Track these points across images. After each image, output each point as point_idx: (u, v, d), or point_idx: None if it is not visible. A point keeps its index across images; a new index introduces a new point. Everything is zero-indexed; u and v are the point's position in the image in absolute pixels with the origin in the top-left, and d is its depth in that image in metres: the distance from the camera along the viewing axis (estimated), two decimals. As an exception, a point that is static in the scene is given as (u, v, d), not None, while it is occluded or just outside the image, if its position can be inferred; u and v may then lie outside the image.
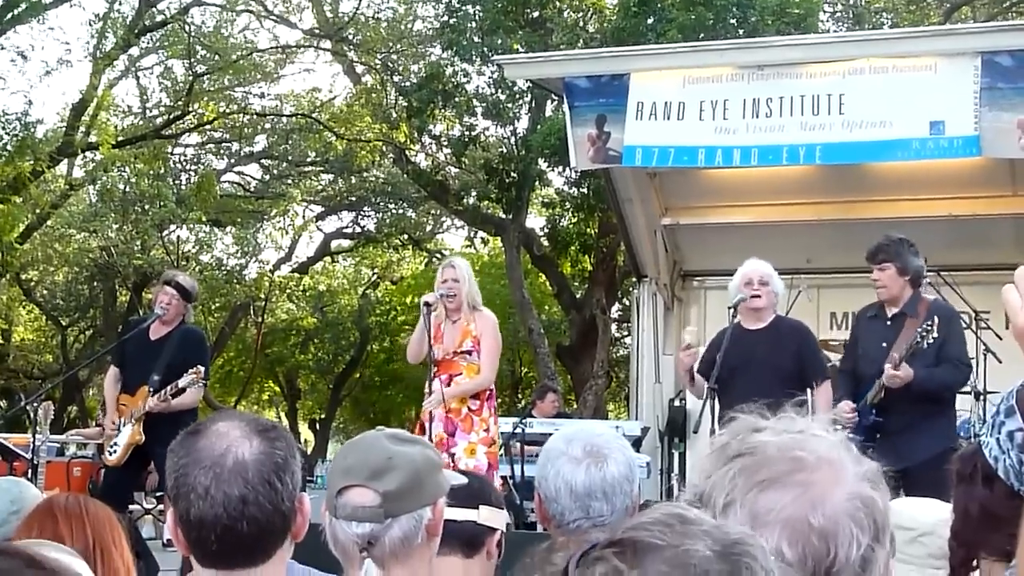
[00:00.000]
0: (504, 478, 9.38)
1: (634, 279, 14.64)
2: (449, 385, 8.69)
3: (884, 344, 7.90)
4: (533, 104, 22.64)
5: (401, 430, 3.23)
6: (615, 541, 1.40)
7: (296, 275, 33.02)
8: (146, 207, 25.60)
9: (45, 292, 32.16)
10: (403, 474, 2.94)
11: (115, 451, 9.03)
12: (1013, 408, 2.30)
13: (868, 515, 1.70)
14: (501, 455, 9.33)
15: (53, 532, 3.59)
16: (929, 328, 7.60)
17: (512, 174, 21.96)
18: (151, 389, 8.84)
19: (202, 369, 8.83)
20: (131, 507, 11.35)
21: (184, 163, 29.42)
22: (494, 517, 3.63)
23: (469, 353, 8.70)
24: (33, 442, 9.99)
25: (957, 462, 2.59)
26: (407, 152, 25.09)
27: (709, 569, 1.34)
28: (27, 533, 3.63)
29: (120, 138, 24.66)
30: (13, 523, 4.04)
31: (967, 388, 9.97)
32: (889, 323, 8.05)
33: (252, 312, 32.40)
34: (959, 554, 2.53)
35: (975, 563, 2.53)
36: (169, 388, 8.73)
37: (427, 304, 8.75)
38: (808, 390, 8.16)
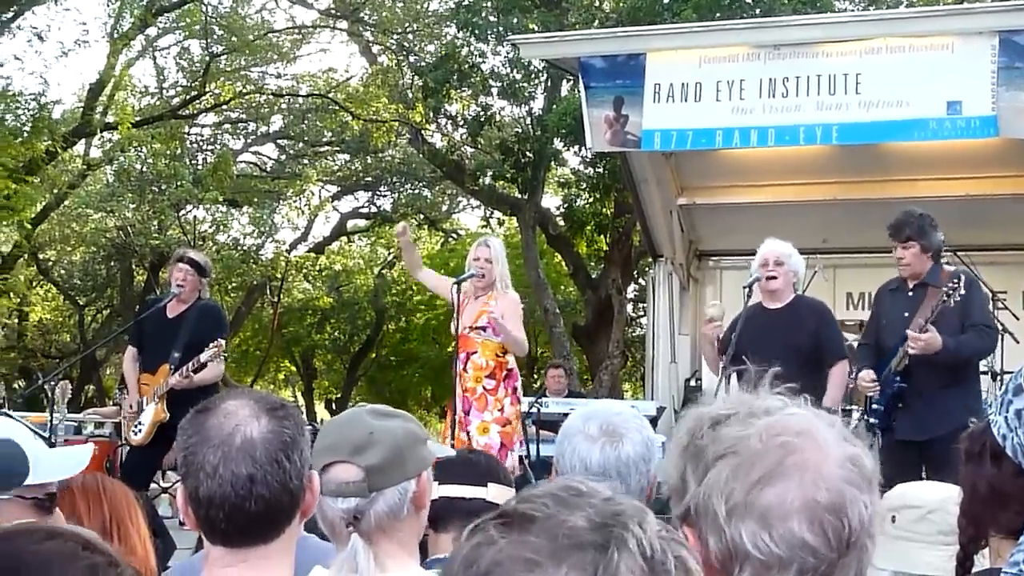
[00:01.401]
0: (520, 457, 9.38)
1: (650, 259, 14.64)
2: (467, 363, 8.74)
3: (906, 314, 7.84)
4: (549, 84, 22.60)
5: (383, 405, 3.27)
6: (502, 513, 1.43)
7: (312, 255, 33.05)
8: (163, 187, 25.63)
9: (63, 272, 32.26)
10: (385, 448, 2.97)
11: (140, 431, 9.05)
12: (1021, 387, 2.31)
13: (861, 472, 1.71)
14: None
15: (71, 509, 3.61)
16: (956, 285, 7.57)
17: (528, 154, 21.94)
18: (172, 367, 8.87)
19: (222, 342, 8.86)
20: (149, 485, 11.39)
21: (201, 143, 29.47)
22: (503, 495, 3.66)
23: (483, 329, 8.72)
24: (50, 421, 10.04)
25: (966, 440, 2.60)
26: (423, 132, 25.09)
27: (581, 540, 1.35)
28: None
29: (137, 118, 24.70)
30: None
31: (984, 367, 9.97)
32: (911, 294, 8.00)
33: (268, 292, 32.46)
34: (968, 532, 2.54)
35: (984, 541, 2.54)
36: (191, 364, 8.76)
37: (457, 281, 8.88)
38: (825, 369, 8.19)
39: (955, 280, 7.60)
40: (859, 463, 1.71)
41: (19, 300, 30.90)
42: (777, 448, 1.69)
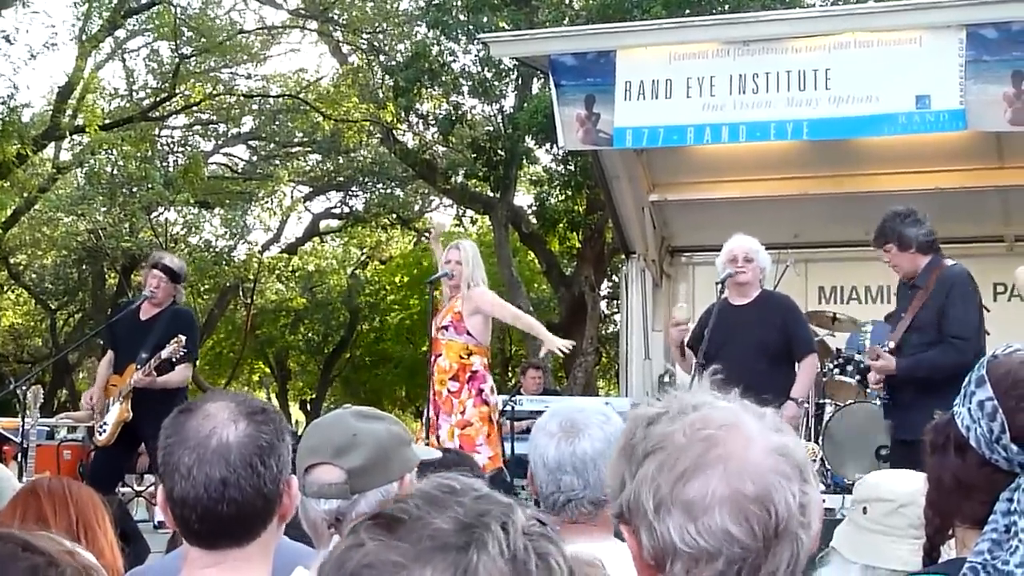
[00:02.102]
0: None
1: (622, 256, 14.65)
2: (434, 366, 8.81)
3: (903, 315, 7.80)
4: (520, 82, 22.63)
5: (368, 407, 3.27)
6: (375, 515, 1.46)
7: (285, 256, 33.00)
8: (134, 189, 25.56)
9: (34, 276, 32.10)
10: (368, 450, 2.99)
11: (104, 430, 9.03)
12: (984, 378, 2.34)
13: (789, 462, 1.71)
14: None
15: (37, 513, 3.61)
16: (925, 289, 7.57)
17: (499, 152, 21.96)
18: (138, 366, 8.85)
19: (183, 338, 8.82)
20: (121, 489, 11.35)
21: (171, 145, 29.36)
22: None
23: (447, 328, 8.80)
24: (23, 426, 9.98)
25: (930, 432, 2.62)
26: (394, 131, 25.05)
27: (445, 542, 1.38)
28: (11, 515, 3.66)
29: (107, 120, 24.63)
30: None
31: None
32: (910, 292, 7.91)
33: (241, 293, 32.39)
34: (934, 523, 2.56)
35: (950, 531, 2.56)
36: (152, 361, 8.73)
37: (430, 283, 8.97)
38: (795, 364, 8.23)
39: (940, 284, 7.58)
40: (787, 452, 1.71)
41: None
42: (700, 441, 1.70)
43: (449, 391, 8.71)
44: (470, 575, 1.36)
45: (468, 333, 8.82)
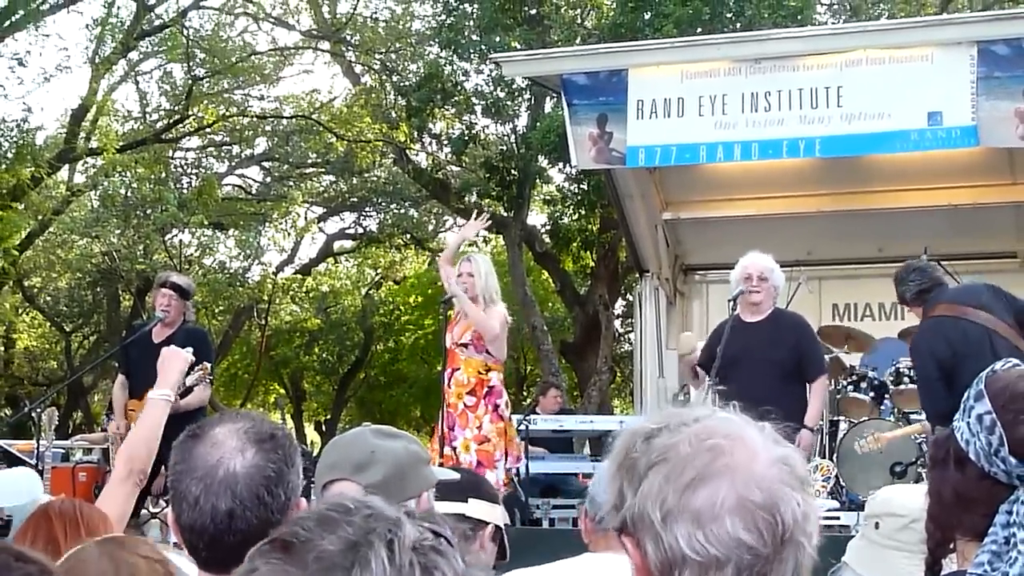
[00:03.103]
0: (515, 473, 9.45)
1: (636, 274, 14.66)
2: (451, 379, 8.80)
3: None
4: (532, 101, 22.64)
5: (387, 426, 3.28)
6: (270, 539, 1.48)
7: (299, 277, 32.99)
8: (148, 211, 25.61)
9: (48, 298, 32.16)
10: (386, 467, 3.00)
11: (123, 455, 9.03)
12: (982, 392, 2.36)
13: (792, 472, 1.72)
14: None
15: (48, 535, 3.62)
16: None
17: (513, 172, 21.98)
18: (157, 391, 8.84)
19: (208, 365, 8.83)
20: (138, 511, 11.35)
21: (185, 167, 29.40)
22: (484, 510, 3.66)
23: (466, 346, 8.81)
24: (37, 448, 10.02)
25: (931, 447, 2.63)
26: (407, 152, 25.09)
27: (331, 563, 1.39)
28: (23, 537, 3.67)
29: (120, 143, 24.68)
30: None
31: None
32: None
33: (256, 315, 32.38)
34: (935, 536, 2.56)
35: (951, 545, 2.57)
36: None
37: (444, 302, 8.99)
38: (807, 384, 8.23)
39: None
40: (790, 463, 1.72)
41: (5, 327, 30.86)
42: (706, 451, 1.71)
43: (466, 405, 8.74)
44: None
45: (487, 351, 8.84)
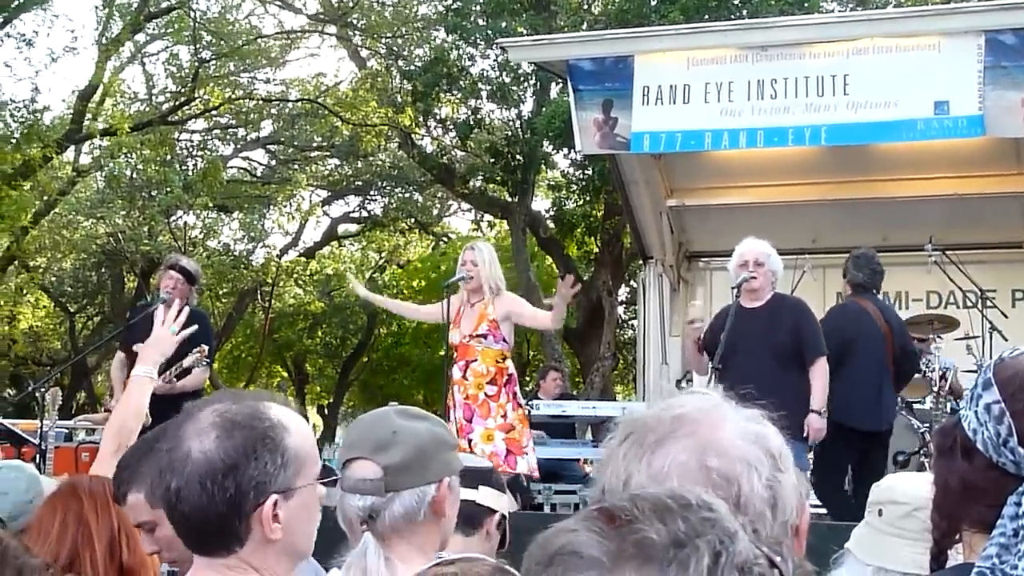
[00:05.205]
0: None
1: (640, 261, 14.64)
2: (467, 371, 8.75)
3: None
4: (538, 86, 22.62)
5: (413, 407, 3.25)
6: (597, 504, 1.40)
7: (303, 260, 33.05)
8: (153, 193, 25.65)
9: (53, 279, 32.20)
10: (407, 449, 2.96)
11: (124, 435, 9.05)
12: (990, 381, 2.34)
13: (761, 447, 1.70)
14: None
15: (78, 514, 3.59)
16: None
17: (517, 157, 21.99)
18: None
19: (206, 348, 8.85)
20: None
21: (190, 149, 29.40)
22: (493, 498, 3.67)
23: (484, 337, 8.74)
24: (41, 428, 10.05)
25: (937, 436, 2.61)
26: (412, 136, 25.10)
27: (648, 554, 1.31)
28: (51, 515, 3.63)
29: (127, 124, 24.70)
30: (30, 512, 4.05)
31: (973, 365, 10.03)
32: None
33: (260, 297, 32.43)
34: (941, 527, 2.55)
35: (957, 536, 2.56)
36: (173, 368, 8.75)
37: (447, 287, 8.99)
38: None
39: None
40: (762, 440, 1.71)
41: (10, 306, 30.89)
42: (671, 420, 1.70)
43: (487, 395, 8.66)
44: None
45: (503, 340, 8.81)
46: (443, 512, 3.04)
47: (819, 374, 8.13)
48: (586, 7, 22.31)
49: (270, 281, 30.93)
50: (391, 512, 2.93)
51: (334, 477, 2.81)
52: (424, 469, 2.98)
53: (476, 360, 8.75)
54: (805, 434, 7.87)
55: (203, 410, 2.49)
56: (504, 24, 19.77)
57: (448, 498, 3.05)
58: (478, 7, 20.99)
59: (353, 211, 33.44)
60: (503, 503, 3.73)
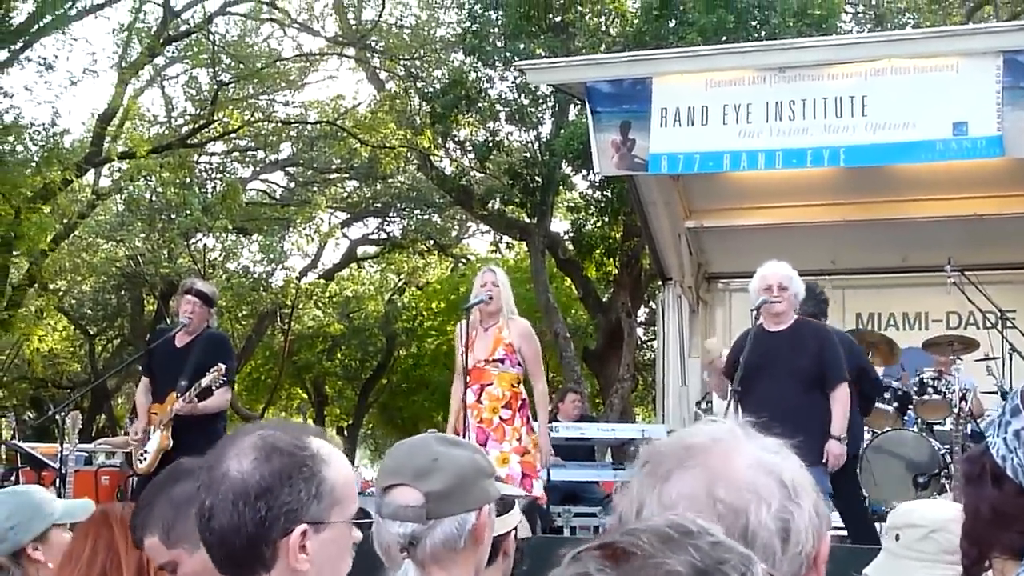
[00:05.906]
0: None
1: (659, 282, 14.64)
2: (481, 395, 8.73)
3: None
4: (556, 108, 22.64)
5: (452, 435, 3.25)
6: (602, 544, 1.37)
7: (322, 282, 33.10)
8: (172, 216, 25.74)
9: (73, 302, 32.31)
10: (448, 476, 2.95)
11: (145, 458, 9.07)
12: (1019, 407, 2.32)
13: (774, 478, 1.69)
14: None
15: (108, 542, 3.58)
16: None
17: (536, 178, 22.01)
18: (178, 395, 8.90)
19: (223, 366, 8.89)
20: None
21: (210, 171, 29.53)
22: (512, 520, 3.66)
23: (501, 361, 8.73)
24: (61, 451, 10.05)
25: (965, 463, 2.59)
26: (431, 158, 25.11)
27: None
28: (83, 542, 3.63)
29: (147, 147, 24.80)
30: (11, 540, 4.06)
31: (993, 387, 10.00)
32: None
33: (279, 319, 32.49)
34: (971, 554, 2.53)
35: (987, 563, 2.54)
36: (193, 388, 8.79)
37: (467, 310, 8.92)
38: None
39: None
40: (776, 470, 1.69)
41: (30, 328, 31.00)
42: (683, 449, 1.70)
43: (501, 419, 8.65)
44: None
45: (519, 364, 8.81)
46: (482, 540, 3.03)
47: (840, 400, 8.10)
48: (604, 29, 22.32)
49: (289, 303, 30.99)
50: (432, 539, 2.92)
51: (369, 519, 2.78)
52: (465, 496, 2.97)
53: (492, 384, 8.74)
54: (824, 459, 7.84)
55: (250, 433, 2.50)
56: (522, 46, 19.79)
57: (487, 526, 3.05)
58: (496, 29, 21.02)
59: (372, 233, 33.52)
60: (514, 520, 3.73)
